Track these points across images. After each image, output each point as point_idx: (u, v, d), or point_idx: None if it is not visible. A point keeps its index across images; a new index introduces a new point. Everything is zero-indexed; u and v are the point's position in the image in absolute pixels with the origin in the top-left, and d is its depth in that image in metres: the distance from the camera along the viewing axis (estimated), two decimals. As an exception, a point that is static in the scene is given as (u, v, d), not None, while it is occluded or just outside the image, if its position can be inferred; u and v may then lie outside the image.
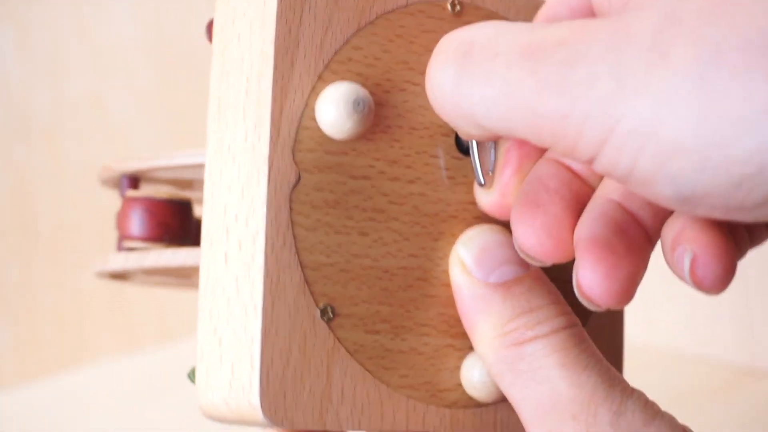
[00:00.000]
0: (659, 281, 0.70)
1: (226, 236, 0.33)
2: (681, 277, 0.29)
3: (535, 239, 0.30)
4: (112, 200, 0.79)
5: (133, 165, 0.39)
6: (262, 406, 0.31)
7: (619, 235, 0.29)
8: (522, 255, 0.31)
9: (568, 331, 0.31)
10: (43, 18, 0.74)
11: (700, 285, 0.29)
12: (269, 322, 0.32)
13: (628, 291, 0.29)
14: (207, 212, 0.34)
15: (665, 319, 0.69)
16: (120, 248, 0.39)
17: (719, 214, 0.25)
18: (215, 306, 0.33)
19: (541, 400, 0.30)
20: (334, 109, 0.32)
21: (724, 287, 0.29)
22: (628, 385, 0.31)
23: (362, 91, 0.33)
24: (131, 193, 0.39)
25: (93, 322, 0.76)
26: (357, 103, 0.32)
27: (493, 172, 0.34)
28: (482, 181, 0.34)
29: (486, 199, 0.34)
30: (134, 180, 0.39)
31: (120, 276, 0.43)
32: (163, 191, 0.39)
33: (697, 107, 0.23)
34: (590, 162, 0.26)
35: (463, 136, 0.33)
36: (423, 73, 0.33)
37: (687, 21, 0.24)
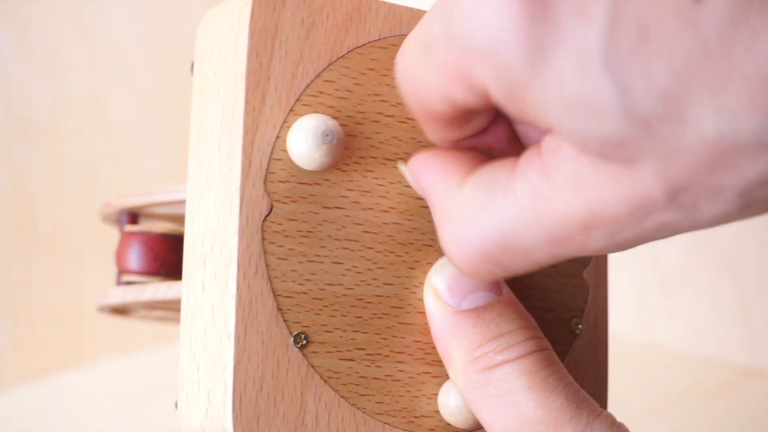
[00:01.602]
0: (659, 281, 0.71)
1: (203, 266, 0.34)
2: None
3: None
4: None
5: (131, 201, 0.40)
6: (235, 430, 0.32)
7: None
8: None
9: (537, 355, 0.32)
10: (43, 18, 0.74)
11: None
12: (242, 349, 0.32)
13: None
14: (187, 242, 0.35)
15: (665, 319, 0.69)
16: (119, 282, 0.40)
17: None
18: (194, 333, 0.34)
19: (509, 423, 0.31)
20: (304, 141, 0.33)
21: None
22: (597, 407, 0.32)
23: (331, 123, 0.33)
24: (129, 228, 0.40)
25: (93, 322, 0.76)
26: (326, 135, 0.33)
27: None
28: None
29: None
30: (133, 216, 0.41)
31: (121, 311, 0.44)
32: (160, 226, 0.40)
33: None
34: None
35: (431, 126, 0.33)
36: (395, 104, 0.35)
37: None
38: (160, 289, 0.38)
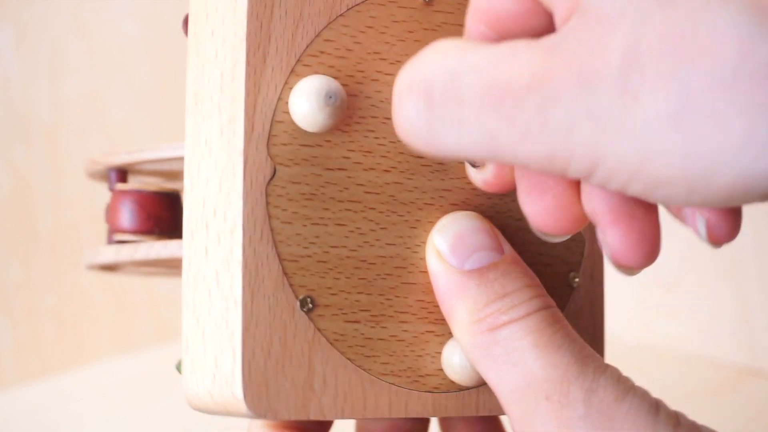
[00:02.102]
0: (659, 281, 0.71)
1: (206, 230, 0.34)
2: (698, 236, 0.30)
3: (549, 217, 0.30)
4: (112, 200, 0.79)
5: (120, 159, 0.39)
6: (245, 397, 0.32)
7: (629, 200, 0.29)
8: (538, 233, 0.31)
9: (542, 313, 0.32)
10: (43, 17, 0.74)
11: (717, 242, 0.29)
12: (249, 315, 0.32)
13: (656, 248, 0.30)
14: (187, 205, 0.35)
15: (665, 319, 0.69)
16: (110, 241, 0.40)
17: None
18: (197, 298, 0.34)
19: (517, 382, 0.31)
20: (307, 103, 0.32)
21: (736, 236, 0.29)
22: (602, 362, 0.31)
23: (334, 84, 0.33)
24: (120, 186, 0.39)
25: (93, 322, 0.76)
26: (329, 96, 0.32)
27: None
28: (475, 162, 0.34)
29: (480, 176, 0.34)
30: (122, 173, 0.40)
31: (110, 267, 0.43)
32: (152, 183, 0.40)
33: (680, 146, 0.24)
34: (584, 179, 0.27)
35: None
36: (395, 63, 0.34)
37: (650, 60, 0.25)
38: (154, 248, 0.37)
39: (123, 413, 0.63)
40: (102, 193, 0.76)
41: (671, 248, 0.69)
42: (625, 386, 0.31)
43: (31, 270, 0.74)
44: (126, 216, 0.38)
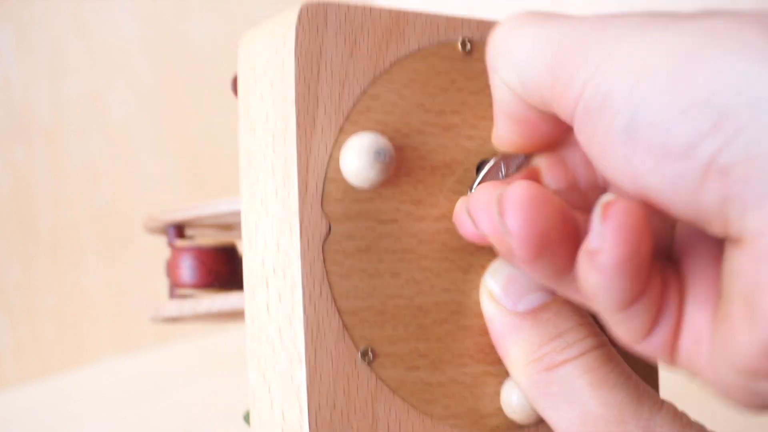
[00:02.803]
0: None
1: (266, 287, 0.34)
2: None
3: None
4: (112, 200, 0.79)
5: (177, 215, 0.41)
6: None
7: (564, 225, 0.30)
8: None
9: (597, 352, 0.32)
10: (43, 17, 0.74)
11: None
12: (313, 370, 0.33)
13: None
14: (246, 263, 0.35)
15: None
16: (173, 295, 0.41)
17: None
18: (262, 353, 0.35)
19: (574, 421, 0.31)
20: (357, 161, 0.33)
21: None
22: (659, 398, 0.32)
23: (382, 141, 0.33)
24: (180, 243, 0.40)
25: (93, 322, 0.76)
26: (378, 153, 0.33)
27: None
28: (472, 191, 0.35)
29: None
30: (180, 228, 0.41)
31: (174, 319, 0.44)
32: (210, 237, 0.41)
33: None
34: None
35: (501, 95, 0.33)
36: (439, 113, 0.35)
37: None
38: (216, 302, 0.39)
39: (123, 413, 0.63)
40: (102, 194, 0.76)
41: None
42: (681, 423, 0.31)
43: (31, 270, 0.74)
44: (187, 272, 0.40)
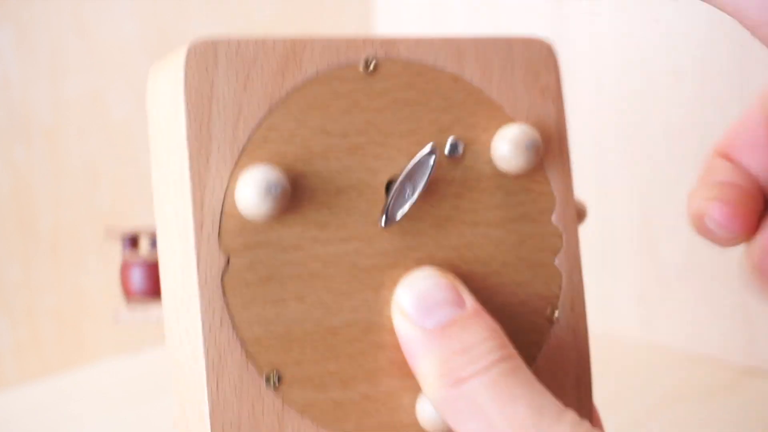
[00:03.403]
0: (660, 281, 0.70)
1: (178, 322, 0.36)
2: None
3: None
4: (112, 200, 0.79)
5: (131, 227, 0.44)
6: None
7: None
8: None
9: (502, 365, 0.33)
10: (43, 17, 0.74)
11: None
12: (215, 399, 0.34)
13: None
14: (164, 296, 0.36)
15: (665, 319, 0.69)
16: (128, 302, 0.43)
17: None
18: (179, 380, 0.36)
19: None
20: (249, 196, 0.33)
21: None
22: (560, 410, 0.32)
23: (273, 175, 0.34)
24: (130, 255, 0.43)
25: (93, 322, 0.76)
26: (269, 189, 0.33)
27: (396, 218, 0.35)
28: (382, 223, 0.36)
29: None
30: (134, 239, 0.43)
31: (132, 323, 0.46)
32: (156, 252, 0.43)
33: None
34: None
35: None
36: (342, 135, 0.35)
37: None
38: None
39: (123, 413, 0.63)
40: (102, 194, 0.76)
41: (672, 248, 0.69)
42: (579, 430, 0.31)
43: (31, 270, 0.74)
44: (137, 282, 0.42)
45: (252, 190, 0.33)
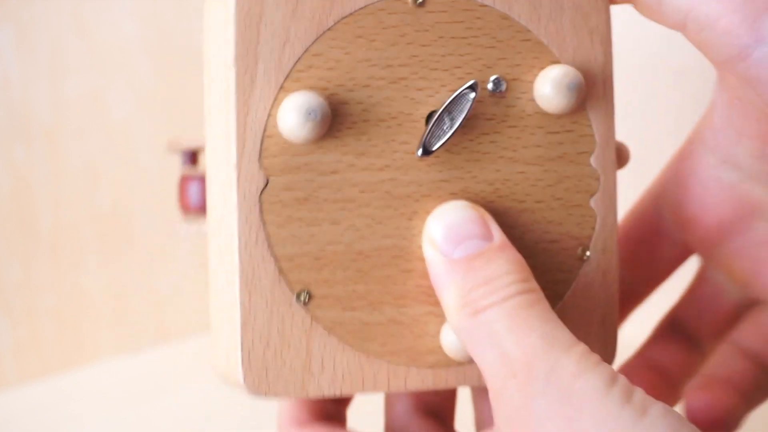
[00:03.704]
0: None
1: (217, 236, 0.38)
2: None
3: None
4: (112, 200, 0.79)
5: (193, 143, 0.46)
6: (245, 381, 0.36)
7: None
8: None
9: (519, 298, 0.34)
10: (43, 17, 0.74)
11: None
12: (247, 312, 0.36)
13: None
14: (207, 212, 0.39)
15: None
16: (185, 217, 0.46)
17: None
18: (215, 293, 0.38)
19: (494, 361, 0.33)
20: (290, 119, 0.35)
21: None
22: (571, 342, 0.33)
23: (315, 100, 0.35)
24: (187, 170, 0.45)
25: (93, 322, 0.76)
26: (309, 113, 0.35)
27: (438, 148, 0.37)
28: (419, 154, 0.37)
29: None
30: (194, 154, 0.46)
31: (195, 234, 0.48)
32: None
33: None
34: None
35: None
36: (387, 67, 0.37)
37: None
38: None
39: (123, 413, 0.63)
40: (102, 194, 0.76)
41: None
42: (586, 364, 0.32)
43: (31, 270, 0.74)
44: (193, 197, 0.45)
45: (294, 114, 0.35)
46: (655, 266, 0.45)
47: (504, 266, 0.35)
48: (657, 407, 0.31)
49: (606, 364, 0.33)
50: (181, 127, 0.78)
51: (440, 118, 0.37)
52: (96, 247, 0.76)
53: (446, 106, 0.37)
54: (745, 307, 0.44)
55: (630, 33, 0.69)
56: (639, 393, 0.32)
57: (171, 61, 0.77)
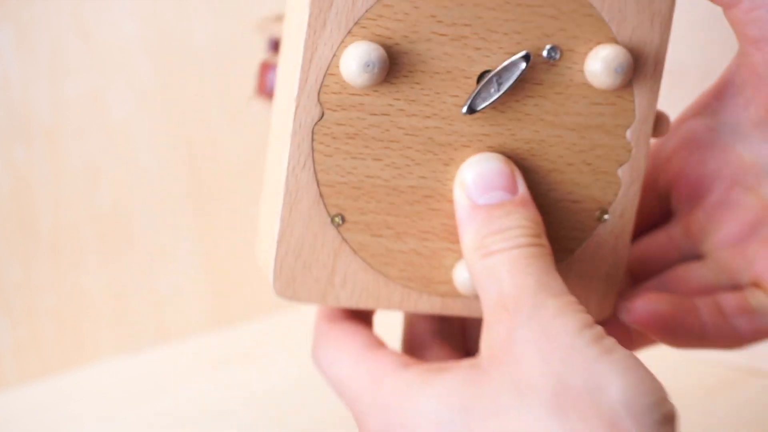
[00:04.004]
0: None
1: (273, 153, 0.42)
2: None
3: None
4: (112, 200, 0.79)
5: (278, 32, 0.50)
6: (274, 285, 0.41)
7: None
8: None
9: (525, 249, 0.38)
10: (43, 17, 0.74)
11: None
12: (286, 225, 0.41)
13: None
14: (271, 127, 0.43)
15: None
16: (258, 97, 0.51)
17: None
18: (265, 200, 0.43)
19: (492, 296, 0.38)
20: (350, 66, 0.39)
21: None
22: (561, 291, 0.37)
23: (375, 53, 0.39)
24: (270, 57, 0.50)
25: (93, 322, 0.76)
26: (367, 65, 0.39)
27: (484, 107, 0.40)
28: (464, 110, 0.40)
29: None
30: (277, 43, 0.50)
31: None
32: None
33: None
34: None
35: None
36: (450, 24, 0.39)
37: None
38: None
39: (123, 413, 0.63)
40: (102, 194, 0.76)
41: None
42: (568, 309, 0.36)
43: (31, 270, 0.74)
44: (270, 82, 0.50)
45: (354, 63, 0.39)
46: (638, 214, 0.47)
47: (520, 220, 0.39)
48: (622, 351, 0.35)
49: (587, 314, 0.36)
50: (182, 127, 0.78)
51: (489, 81, 0.39)
52: (96, 247, 0.76)
53: (497, 71, 0.39)
54: (687, 261, 0.47)
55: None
56: (610, 340, 0.35)
57: (171, 62, 0.77)
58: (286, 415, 0.61)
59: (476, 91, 0.39)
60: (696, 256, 0.46)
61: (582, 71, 0.40)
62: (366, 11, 0.39)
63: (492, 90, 0.40)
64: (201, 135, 0.78)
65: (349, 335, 0.42)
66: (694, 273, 0.45)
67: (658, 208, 0.47)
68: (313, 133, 0.40)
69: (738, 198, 0.44)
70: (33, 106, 0.74)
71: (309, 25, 0.39)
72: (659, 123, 0.42)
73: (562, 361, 0.35)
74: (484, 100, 0.40)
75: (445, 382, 0.37)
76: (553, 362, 0.35)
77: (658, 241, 0.47)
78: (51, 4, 0.74)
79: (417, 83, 0.40)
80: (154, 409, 0.64)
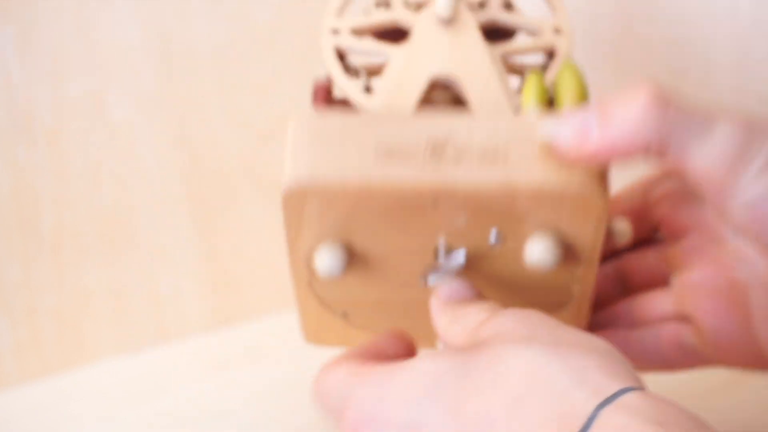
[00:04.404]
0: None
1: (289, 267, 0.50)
2: None
3: None
4: (113, 201, 0.79)
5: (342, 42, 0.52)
6: (306, 339, 0.54)
7: None
8: None
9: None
10: (45, 19, 0.74)
11: None
12: (303, 309, 0.53)
13: None
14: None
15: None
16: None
17: None
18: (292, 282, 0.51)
19: (442, 329, 0.47)
20: (320, 265, 0.47)
21: None
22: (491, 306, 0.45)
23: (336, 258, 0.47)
24: (318, 81, 0.53)
25: (93, 322, 0.76)
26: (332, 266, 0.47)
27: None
28: (421, 284, 0.50)
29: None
30: (341, 55, 0.52)
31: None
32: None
33: None
34: None
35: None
36: (403, 231, 0.47)
37: None
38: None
39: (123, 413, 0.63)
40: (103, 194, 0.76)
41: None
42: (481, 306, 0.45)
43: (32, 270, 0.74)
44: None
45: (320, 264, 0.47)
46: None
47: (473, 316, 0.45)
48: (516, 309, 0.43)
49: (491, 303, 0.45)
50: (182, 127, 0.78)
51: (438, 266, 0.48)
52: (96, 247, 0.76)
53: (445, 260, 0.47)
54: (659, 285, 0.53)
55: (630, 33, 0.69)
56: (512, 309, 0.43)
57: (172, 63, 0.77)
58: (286, 415, 0.61)
59: (428, 274, 0.48)
60: (667, 280, 0.52)
61: (521, 256, 0.47)
62: (329, 224, 0.47)
63: (442, 271, 0.48)
64: (201, 135, 0.78)
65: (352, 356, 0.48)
66: (657, 301, 0.52)
67: (652, 233, 0.53)
68: (312, 286, 0.49)
69: (708, 250, 0.50)
70: (34, 106, 0.74)
71: (287, 235, 0.47)
72: (617, 232, 0.50)
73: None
74: (438, 277, 0.48)
75: (427, 356, 0.43)
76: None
77: (647, 257, 0.53)
78: (53, 6, 0.74)
79: (378, 269, 0.48)
80: (154, 409, 0.64)
